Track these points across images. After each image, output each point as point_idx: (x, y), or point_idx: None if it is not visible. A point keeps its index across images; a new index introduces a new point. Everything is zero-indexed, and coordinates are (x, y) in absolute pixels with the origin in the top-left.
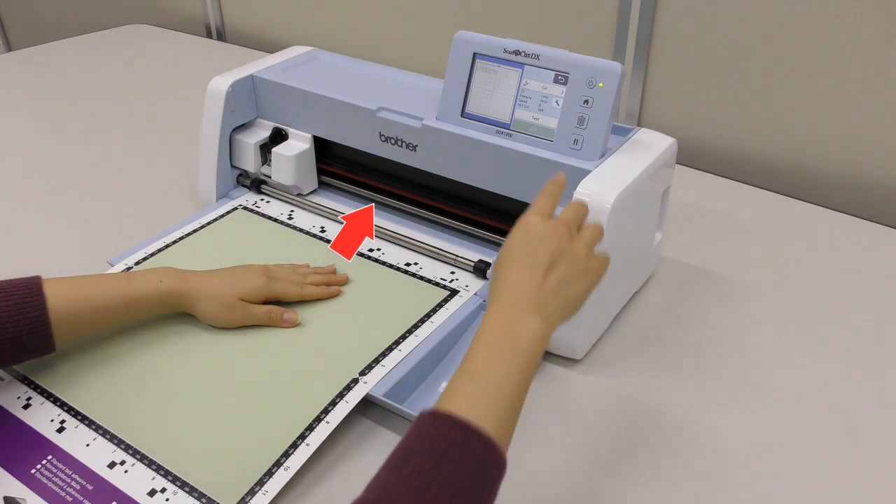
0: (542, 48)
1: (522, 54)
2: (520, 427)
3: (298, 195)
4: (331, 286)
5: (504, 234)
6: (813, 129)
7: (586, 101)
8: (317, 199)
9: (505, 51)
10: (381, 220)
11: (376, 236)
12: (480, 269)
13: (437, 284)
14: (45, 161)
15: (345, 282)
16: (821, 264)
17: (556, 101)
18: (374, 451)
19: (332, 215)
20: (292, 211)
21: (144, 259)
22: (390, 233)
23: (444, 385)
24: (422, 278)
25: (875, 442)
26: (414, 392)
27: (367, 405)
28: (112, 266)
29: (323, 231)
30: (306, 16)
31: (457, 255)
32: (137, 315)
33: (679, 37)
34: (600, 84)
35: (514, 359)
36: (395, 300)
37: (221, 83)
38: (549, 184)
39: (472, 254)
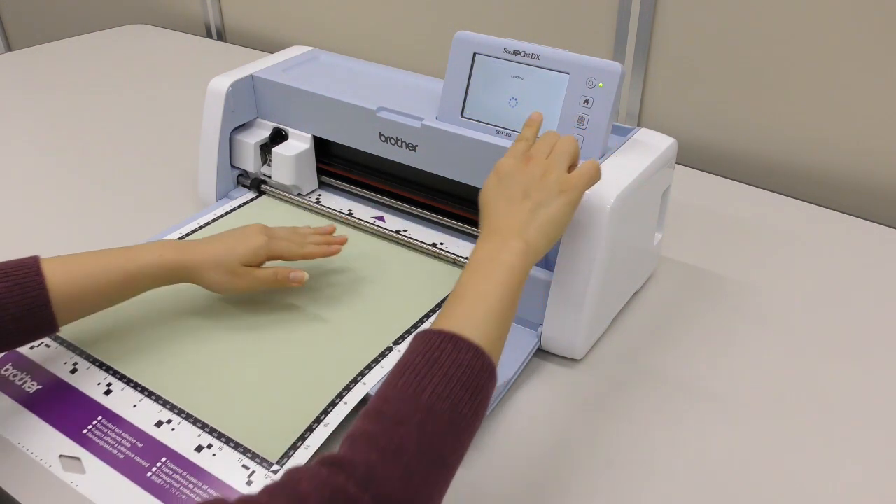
0: (542, 48)
1: (522, 54)
2: (519, 426)
3: (298, 195)
4: (331, 245)
5: None
6: (813, 129)
7: (586, 101)
8: (317, 199)
9: (505, 51)
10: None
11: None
12: None
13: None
14: (45, 161)
15: (344, 241)
16: (820, 264)
17: (556, 101)
18: None
19: (332, 215)
20: (320, 194)
21: None
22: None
23: None
24: (453, 256)
25: (876, 442)
26: None
27: None
28: None
29: (350, 214)
30: (306, 16)
31: (457, 256)
32: (139, 289)
33: (679, 37)
34: (600, 84)
35: (496, 276)
36: (423, 277)
37: (221, 83)
38: (524, 126)
39: None
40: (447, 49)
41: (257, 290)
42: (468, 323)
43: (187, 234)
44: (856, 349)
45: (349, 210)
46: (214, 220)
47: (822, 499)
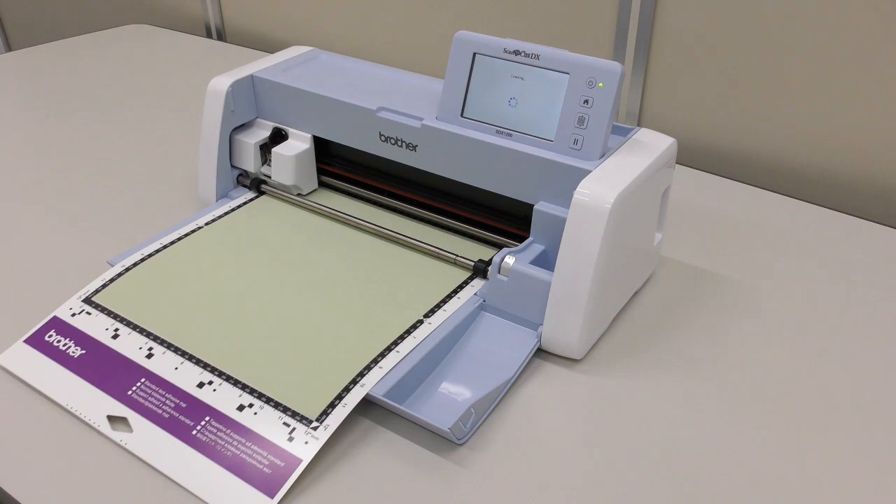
0: (542, 48)
1: (522, 54)
2: (519, 426)
3: (298, 195)
4: None
5: (504, 234)
6: (813, 129)
7: (586, 101)
8: (317, 199)
9: (505, 51)
10: (381, 220)
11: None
12: (480, 269)
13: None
14: (45, 161)
15: None
16: (821, 264)
17: (556, 101)
18: (374, 451)
19: (332, 214)
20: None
21: (144, 259)
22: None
23: (444, 385)
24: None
25: (876, 444)
26: (414, 391)
27: (367, 405)
28: (112, 266)
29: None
30: (306, 16)
31: (457, 255)
32: None
33: (679, 37)
34: (600, 84)
35: None
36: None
37: (221, 83)
38: None
39: (472, 254)
40: (447, 49)
41: None
42: None
43: (187, 234)
44: (856, 349)
45: (349, 209)
46: (214, 219)
47: (822, 498)
